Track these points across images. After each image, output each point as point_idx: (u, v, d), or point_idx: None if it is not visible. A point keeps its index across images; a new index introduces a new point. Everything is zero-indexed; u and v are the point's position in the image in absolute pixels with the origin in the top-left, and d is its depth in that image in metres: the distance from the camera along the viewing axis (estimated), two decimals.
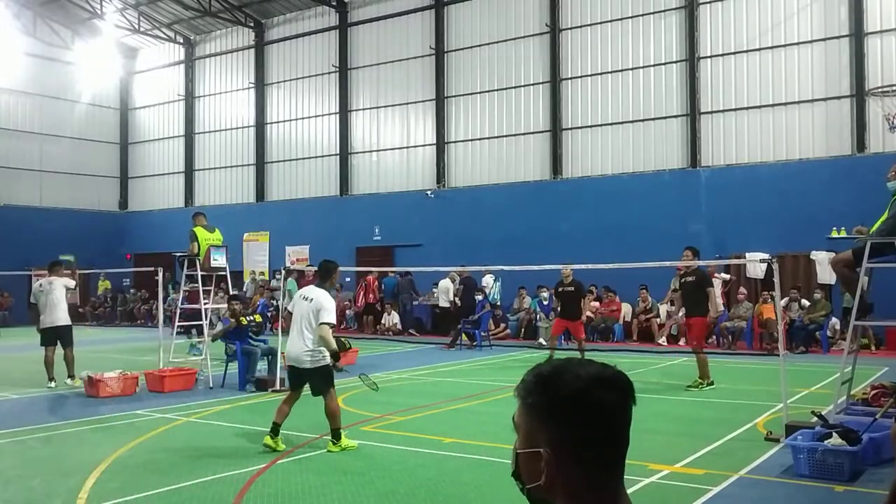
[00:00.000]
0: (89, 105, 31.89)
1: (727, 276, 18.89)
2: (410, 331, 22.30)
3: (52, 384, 12.16)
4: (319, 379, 7.67)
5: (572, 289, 13.93)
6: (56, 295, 12.39)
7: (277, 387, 11.62)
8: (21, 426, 9.27)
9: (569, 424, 1.35)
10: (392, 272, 23.20)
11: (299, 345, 7.64)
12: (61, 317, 12.41)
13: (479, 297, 19.55)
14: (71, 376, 12.24)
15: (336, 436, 7.62)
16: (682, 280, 12.14)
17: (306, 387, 7.89)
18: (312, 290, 7.93)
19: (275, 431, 7.73)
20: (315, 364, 7.63)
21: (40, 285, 12.54)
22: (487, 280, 21.22)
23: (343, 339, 15.49)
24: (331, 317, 7.63)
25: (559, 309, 14.31)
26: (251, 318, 13.11)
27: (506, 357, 16.91)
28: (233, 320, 12.64)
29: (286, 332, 8.15)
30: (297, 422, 9.18)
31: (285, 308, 8.25)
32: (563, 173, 22.56)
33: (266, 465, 7.18)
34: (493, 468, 7.05)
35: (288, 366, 7.89)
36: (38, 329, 12.56)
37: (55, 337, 12.36)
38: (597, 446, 1.36)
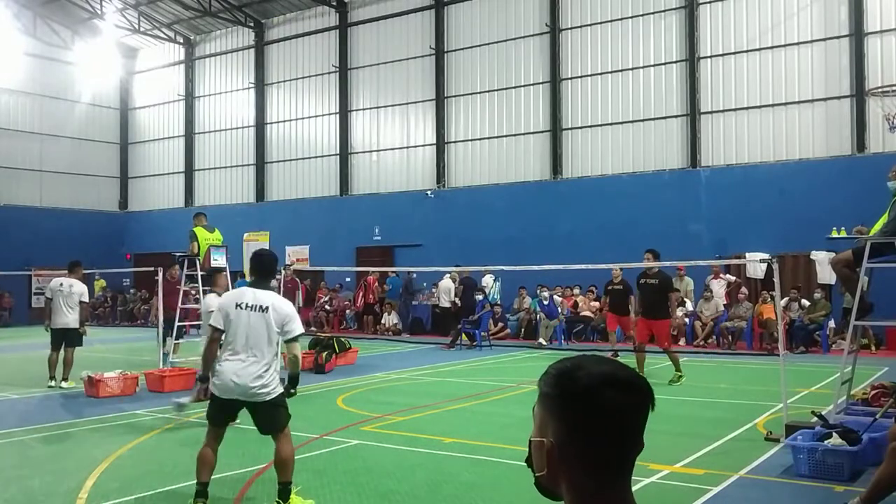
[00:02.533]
0: (89, 105, 31.89)
1: (731, 278, 18.88)
2: (405, 334, 22.13)
3: (52, 383, 12.16)
4: (279, 411, 5.81)
5: (621, 287, 14.19)
6: (73, 298, 12.39)
7: None
8: (21, 426, 9.26)
9: (574, 420, 1.37)
10: (393, 272, 23.21)
11: (251, 370, 5.62)
12: (74, 319, 12.40)
13: (480, 297, 19.56)
14: (65, 378, 12.22)
15: (286, 494, 5.69)
16: (641, 282, 12.36)
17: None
18: (263, 296, 5.76)
19: (202, 494, 5.67)
20: (271, 395, 5.73)
21: (60, 284, 12.49)
22: (487, 280, 21.22)
23: (343, 339, 15.58)
24: (301, 327, 5.88)
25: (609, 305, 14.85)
26: None
27: (506, 357, 16.91)
28: None
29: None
30: (295, 422, 9.19)
31: (210, 326, 5.77)
32: (563, 173, 22.56)
33: (266, 465, 7.17)
34: (493, 468, 7.05)
35: (224, 400, 5.70)
36: (46, 328, 12.53)
37: (62, 338, 12.34)
38: (601, 445, 1.37)
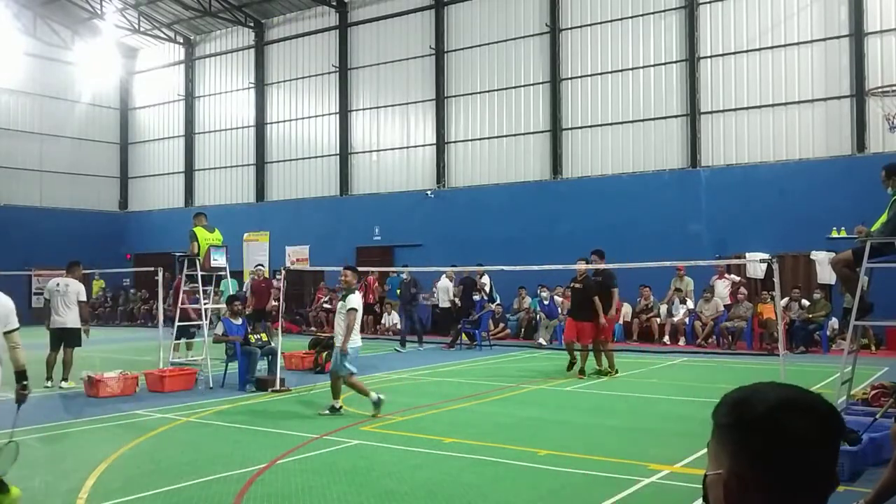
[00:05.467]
0: (89, 105, 31.88)
1: (736, 278, 18.85)
2: (409, 339, 19.20)
3: (49, 384, 12.14)
4: None
5: (581, 286, 13.17)
6: (70, 297, 12.38)
7: (277, 387, 11.62)
8: (21, 426, 9.24)
9: (752, 449, 1.28)
10: (393, 272, 23.19)
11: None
12: (72, 319, 12.38)
13: (477, 298, 19.55)
14: (65, 379, 12.21)
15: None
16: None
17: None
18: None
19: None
20: None
21: (57, 284, 12.48)
22: (486, 280, 21.08)
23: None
24: (16, 320, 5.99)
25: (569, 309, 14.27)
26: (258, 336, 13.06)
27: (506, 357, 16.91)
28: (239, 336, 12.60)
29: None
30: (295, 422, 9.20)
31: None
32: (563, 173, 22.56)
33: (266, 465, 7.18)
34: (493, 468, 7.05)
35: None
36: (47, 328, 12.53)
37: (61, 339, 12.33)
38: (784, 476, 1.27)
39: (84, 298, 12.73)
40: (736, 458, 1.29)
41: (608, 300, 12.91)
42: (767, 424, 1.27)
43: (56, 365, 12.27)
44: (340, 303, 9.92)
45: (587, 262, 13.20)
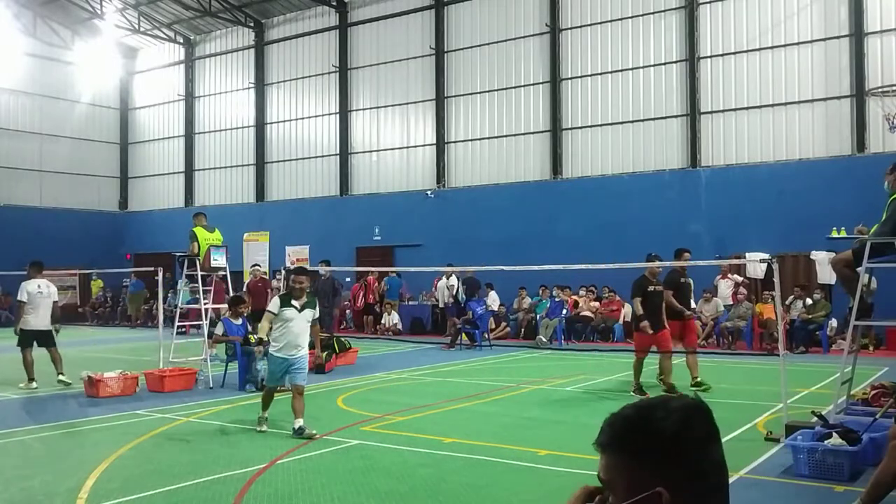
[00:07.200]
0: (89, 105, 31.87)
1: (740, 278, 18.84)
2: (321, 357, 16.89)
3: (34, 384, 12.09)
4: None
5: (662, 288, 11.44)
6: (51, 299, 12.44)
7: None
8: (21, 426, 9.26)
9: (684, 461, 1.33)
10: (393, 272, 23.20)
11: None
12: (50, 320, 12.46)
13: (449, 302, 19.62)
14: (61, 372, 12.22)
15: None
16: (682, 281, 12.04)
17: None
18: None
19: None
20: None
21: (38, 286, 12.48)
22: (452, 281, 20.85)
23: (344, 340, 15.56)
24: None
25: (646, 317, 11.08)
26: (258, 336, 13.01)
27: (506, 357, 16.91)
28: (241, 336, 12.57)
29: None
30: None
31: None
32: (563, 173, 22.56)
33: (266, 465, 7.18)
34: (493, 468, 7.05)
35: None
36: (17, 330, 12.45)
37: (35, 339, 12.34)
38: (710, 475, 1.35)
39: (57, 299, 12.81)
40: (668, 475, 1.31)
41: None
42: (690, 435, 1.33)
43: (35, 365, 12.25)
44: (309, 310, 8.66)
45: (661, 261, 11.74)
